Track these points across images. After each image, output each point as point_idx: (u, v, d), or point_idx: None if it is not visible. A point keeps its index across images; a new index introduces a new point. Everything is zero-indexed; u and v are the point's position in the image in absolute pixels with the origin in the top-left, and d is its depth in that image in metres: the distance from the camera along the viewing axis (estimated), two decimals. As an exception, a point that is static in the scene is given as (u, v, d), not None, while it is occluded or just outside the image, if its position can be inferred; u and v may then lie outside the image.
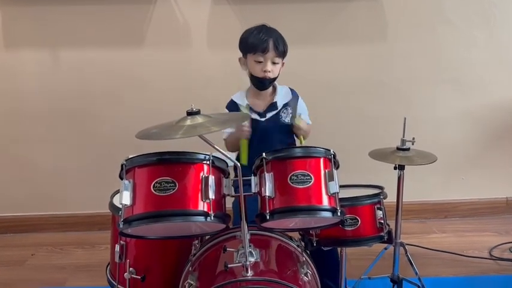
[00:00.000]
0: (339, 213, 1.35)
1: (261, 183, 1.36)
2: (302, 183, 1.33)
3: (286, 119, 1.92)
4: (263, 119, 1.91)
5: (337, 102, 2.62)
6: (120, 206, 1.29)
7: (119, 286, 1.60)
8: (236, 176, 1.34)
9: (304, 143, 1.88)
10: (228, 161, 1.37)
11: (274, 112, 1.92)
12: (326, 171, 1.37)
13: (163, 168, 1.29)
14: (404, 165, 1.75)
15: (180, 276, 1.50)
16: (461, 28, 2.55)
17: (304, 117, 1.95)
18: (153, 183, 1.26)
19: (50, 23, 2.49)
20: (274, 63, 1.85)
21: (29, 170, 2.70)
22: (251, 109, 1.92)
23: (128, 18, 2.49)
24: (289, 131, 1.93)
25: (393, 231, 1.74)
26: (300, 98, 1.97)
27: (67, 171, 2.70)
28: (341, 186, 1.38)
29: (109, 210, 1.62)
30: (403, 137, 1.75)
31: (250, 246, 1.37)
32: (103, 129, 2.63)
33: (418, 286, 1.84)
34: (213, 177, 1.31)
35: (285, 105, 1.93)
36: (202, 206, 1.28)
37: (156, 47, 2.52)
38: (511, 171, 2.78)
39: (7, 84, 2.57)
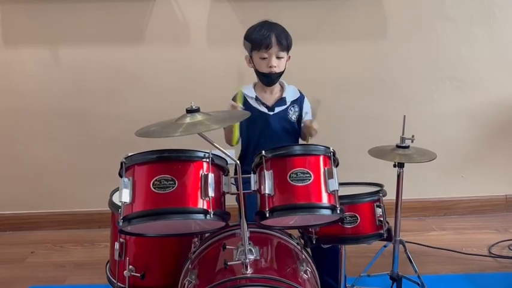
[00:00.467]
0: (338, 211, 1.35)
1: (261, 181, 1.36)
2: (301, 181, 1.33)
3: (293, 116, 1.92)
4: (271, 113, 1.91)
5: (337, 100, 2.61)
6: (120, 204, 1.29)
7: (118, 284, 1.60)
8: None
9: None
10: (227, 158, 1.37)
11: (283, 107, 1.92)
12: (325, 169, 1.37)
13: (163, 166, 1.29)
14: (403, 163, 1.76)
15: (179, 274, 1.50)
16: (461, 26, 2.55)
17: (309, 116, 1.95)
18: (153, 181, 1.26)
19: (49, 21, 2.48)
20: (278, 57, 1.84)
21: (29, 168, 2.70)
22: (260, 101, 1.91)
23: (127, 16, 2.49)
24: (295, 129, 1.93)
25: (392, 229, 1.74)
26: (305, 98, 1.98)
27: (66, 169, 2.70)
28: (340, 184, 1.38)
29: (109, 208, 1.62)
30: (403, 134, 1.75)
31: (249, 243, 1.37)
32: (102, 127, 2.63)
33: (418, 283, 1.84)
34: (213, 175, 1.31)
35: (293, 103, 1.93)
36: (201, 204, 1.28)
37: (155, 44, 2.52)
38: (510, 169, 2.79)
39: (6, 82, 2.57)
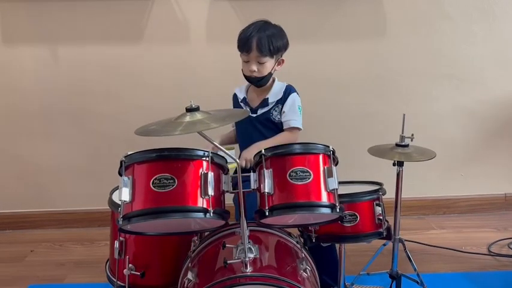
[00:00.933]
0: (338, 210, 1.35)
1: (260, 180, 1.36)
2: (301, 179, 1.33)
3: (278, 116, 1.90)
4: (254, 115, 1.90)
5: (336, 99, 2.62)
6: (120, 203, 1.29)
7: (118, 282, 1.60)
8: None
9: None
10: (227, 157, 1.37)
11: (265, 109, 1.90)
12: (325, 167, 1.37)
13: (163, 165, 1.29)
14: (403, 162, 1.75)
15: (179, 273, 1.50)
16: (461, 24, 2.55)
17: (287, 116, 1.87)
18: (153, 179, 1.26)
19: (48, 19, 2.48)
20: (260, 62, 1.81)
21: (28, 166, 2.70)
22: (247, 103, 1.92)
23: (126, 14, 2.48)
24: (280, 129, 1.92)
25: (392, 228, 1.74)
26: (293, 94, 1.91)
27: (66, 168, 2.70)
28: (340, 183, 1.38)
29: (108, 207, 1.62)
30: (402, 133, 1.75)
31: (249, 242, 1.37)
32: (102, 125, 2.63)
33: (417, 282, 1.84)
34: (212, 173, 1.31)
35: (278, 102, 1.90)
36: (201, 203, 1.28)
37: (155, 43, 2.52)
38: (509, 167, 2.79)
39: (5, 80, 2.56)
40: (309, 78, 2.48)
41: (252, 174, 1.41)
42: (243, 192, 1.35)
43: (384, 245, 1.88)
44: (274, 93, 1.91)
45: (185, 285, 1.39)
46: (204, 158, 1.32)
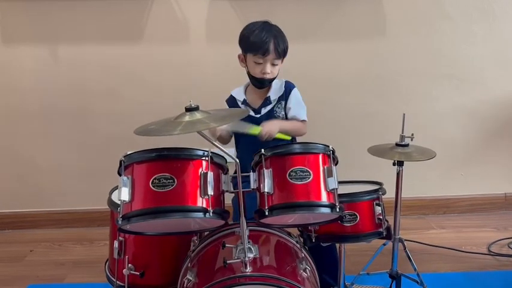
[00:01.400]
0: (337, 209, 1.35)
1: (260, 180, 1.36)
2: (301, 179, 1.33)
3: (281, 113, 1.90)
4: (258, 115, 1.89)
5: (336, 98, 2.61)
6: (119, 202, 1.29)
7: (117, 282, 1.60)
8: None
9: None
10: (226, 157, 1.37)
11: (268, 107, 1.90)
12: (325, 167, 1.37)
13: (162, 165, 1.29)
14: (403, 161, 1.75)
15: (179, 272, 1.50)
16: (460, 23, 2.55)
17: (294, 111, 1.89)
18: (152, 179, 1.26)
19: (48, 19, 2.48)
20: (273, 64, 1.82)
21: (27, 166, 2.69)
22: (248, 105, 1.92)
23: (126, 14, 2.48)
24: None
25: (392, 227, 1.74)
26: (294, 89, 1.92)
27: (65, 168, 2.70)
28: (340, 182, 1.38)
29: (108, 207, 1.62)
30: (402, 133, 1.75)
31: (249, 242, 1.37)
32: (101, 125, 2.63)
33: (417, 282, 1.84)
34: (212, 173, 1.31)
35: (279, 99, 1.90)
36: (201, 202, 1.28)
37: (154, 42, 2.52)
38: (509, 167, 2.79)
39: (5, 80, 2.56)
40: (309, 78, 2.48)
41: (251, 174, 1.41)
42: (243, 192, 1.35)
43: (384, 244, 1.88)
44: (274, 91, 1.91)
45: (185, 285, 1.39)
46: (204, 158, 1.32)
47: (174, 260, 1.59)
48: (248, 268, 1.32)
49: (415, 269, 1.83)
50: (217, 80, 2.51)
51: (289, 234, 1.59)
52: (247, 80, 1.94)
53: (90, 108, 2.60)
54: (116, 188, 1.59)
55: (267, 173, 1.34)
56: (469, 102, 2.67)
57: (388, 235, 1.68)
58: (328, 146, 1.41)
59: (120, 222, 1.27)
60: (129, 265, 1.54)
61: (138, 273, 1.54)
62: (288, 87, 1.92)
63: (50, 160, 2.68)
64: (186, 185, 1.28)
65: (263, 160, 1.36)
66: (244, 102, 1.93)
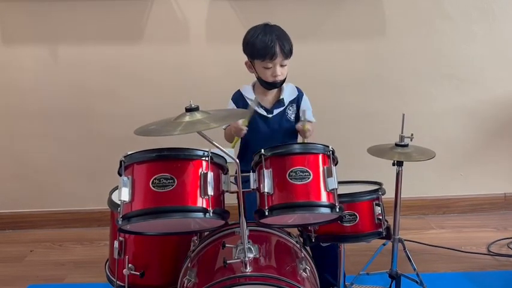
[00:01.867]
0: (337, 209, 1.35)
1: (260, 180, 1.36)
2: (301, 179, 1.33)
3: (292, 115, 1.92)
4: (270, 115, 1.90)
5: (336, 98, 2.61)
6: (119, 203, 1.29)
7: (117, 282, 1.60)
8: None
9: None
10: (226, 157, 1.37)
11: (281, 109, 1.91)
12: (325, 167, 1.37)
13: (162, 165, 1.30)
14: (402, 162, 1.76)
15: (179, 272, 1.50)
16: (460, 23, 2.55)
17: (308, 114, 1.92)
18: (152, 179, 1.27)
19: (48, 19, 2.48)
20: (282, 65, 1.82)
21: (28, 166, 2.70)
22: (259, 104, 1.91)
23: (126, 14, 2.48)
24: (294, 129, 1.91)
25: (392, 227, 1.74)
26: (304, 95, 1.96)
27: (66, 168, 2.70)
28: (340, 183, 1.38)
29: (108, 207, 1.62)
30: (402, 133, 1.75)
31: (249, 242, 1.37)
32: (101, 125, 2.63)
33: (416, 282, 1.84)
34: (212, 173, 1.31)
35: (291, 102, 1.92)
36: (201, 203, 1.28)
37: (154, 43, 2.51)
38: (509, 167, 2.79)
39: (5, 80, 2.56)
40: (309, 78, 2.47)
41: (251, 174, 1.41)
42: (243, 192, 1.35)
43: (384, 244, 1.88)
44: (288, 93, 1.93)
45: (185, 285, 1.39)
46: (204, 158, 1.32)
47: (174, 260, 1.60)
48: (248, 268, 1.32)
49: (414, 269, 1.83)
50: (217, 80, 2.52)
51: (289, 234, 1.59)
52: (248, 79, 1.94)
53: (90, 108, 2.60)
54: (116, 188, 1.59)
55: (267, 173, 1.35)
56: (469, 102, 2.67)
57: (388, 235, 1.68)
58: (328, 146, 1.41)
59: (120, 222, 1.27)
60: (129, 265, 1.54)
61: (138, 273, 1.54)
62: (300, 92, 1.96)
63: (50, 160, 2.69)
64: (186, 185, 1.28)
65: (263, 160, 1.36)
66: (257, 100, 1.92)
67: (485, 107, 2.68)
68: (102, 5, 2.45)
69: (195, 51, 2.53)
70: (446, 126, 2.70)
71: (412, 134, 1.73)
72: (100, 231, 2.55)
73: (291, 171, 1.34)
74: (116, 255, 1.55)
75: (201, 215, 1.28)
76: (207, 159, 1.32)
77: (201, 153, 1.32)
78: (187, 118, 1.30)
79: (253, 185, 1.39)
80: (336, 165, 1.41)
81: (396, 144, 1.76)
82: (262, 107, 1.91)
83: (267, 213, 1.32)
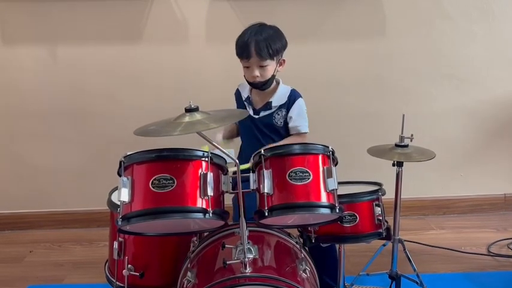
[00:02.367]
0: (337, 210, 1.35)
1: (260, 180, 1.36)
2: (301, 179, 1.33)
3: (279, 121, 1.88)
4: (256, 116, 1.89)
5: (336, 99, 2.61)
6: (119, 203, 1.29)
7: (117, 283, 1.60)
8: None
9: None
10: (226, 157, 1.37)
11: (267, 112, 1.89)
12: (325, 168, 1.37)
13: (162, 165, 1.29)
14: (402, 162, 1.75)
15: (178, 273, 1.50)
16: (460, 23, 2.55)
17: (296, 122, 1.86)
18: (152, 180, 1.26)
19: (47, 19, 2.48)
20: (261, 66, 1.78)
21: (27, 167, 2.69)
22: (250, 103, 1.91)
23: (125, 14, 2.48)
24: (280, 133, 1.90)
25: (392, 228, 1.74)
26: (299, 100, 1.89)
27: (65, 168, 2.69)
28: (339, 183, 1.38)
29: (107, 207, 1.61)
30: (402, 133, 1.75)
31: (248, 242, 1.37)
32: (101, 125, 2.62)
33: (416, 282, 1.84)
34: (212, 174, 1.31)
35: (281, 107, 1.88)
36: (200, 203, 1.28)
37: (154, 43, 2.51)
38: (509, 167, 2.79)
39: (4, 80, 2.56)
40: (309, 78, 2.48)
41: (251, 174, 1.41)
42: (243, 192, 1.35)
43: (384, 245, 1.88)
44: (278, 97, 1.88)
45: (184, 286, 1.39)
46: (204, 159, 1.32)
47: (174, 260, 1.59)
48: (248, 269, 1.32)
49: (414, 270, 1.83)
50: (217, 80, 2.51)
51: (289, 234, 1.59)
52: (246, 80, 1.94)
53: (90, 108, 2.60)
54: (116, 188, 1.59)
55: (267, 174, 1.34)
56: (469, 102, 2.67)
57: (388, 236, 1.68)
58: (328, 147, 1.40)
59: (119, 222, 1.27)
60: (129, 266, 1.54)
61: (138, 274, 1.54)
62: (293, 97, 1.89)
63: (50, 160, 2.68)
64: (185, 185, 1.28)
65: (263, 161, 1.35)
66: (247, 99, 1.93)
67: (485, 107, 2.67)
68: (101, 5, 2.45)
69: (194, 52, 2.53)
70: (446, 127, 2.70)
71: (412, 135, 1.73)
72: (99, 232, 2.54)
73: (291, 172, 1.33)
74: (115, 256, 1.55)
75: (200, 215, 1.27)
76: (206, 159, 1.31)
77: (200, 153, 1.32)
78: (187, 118, 1.30)
79: (253, 185, 1.39)
80: (335, 165, 1.40)
81: (396, 145, 1.76)
82: (251, 106, 1.90)
83: (266, 214, 1.32)
